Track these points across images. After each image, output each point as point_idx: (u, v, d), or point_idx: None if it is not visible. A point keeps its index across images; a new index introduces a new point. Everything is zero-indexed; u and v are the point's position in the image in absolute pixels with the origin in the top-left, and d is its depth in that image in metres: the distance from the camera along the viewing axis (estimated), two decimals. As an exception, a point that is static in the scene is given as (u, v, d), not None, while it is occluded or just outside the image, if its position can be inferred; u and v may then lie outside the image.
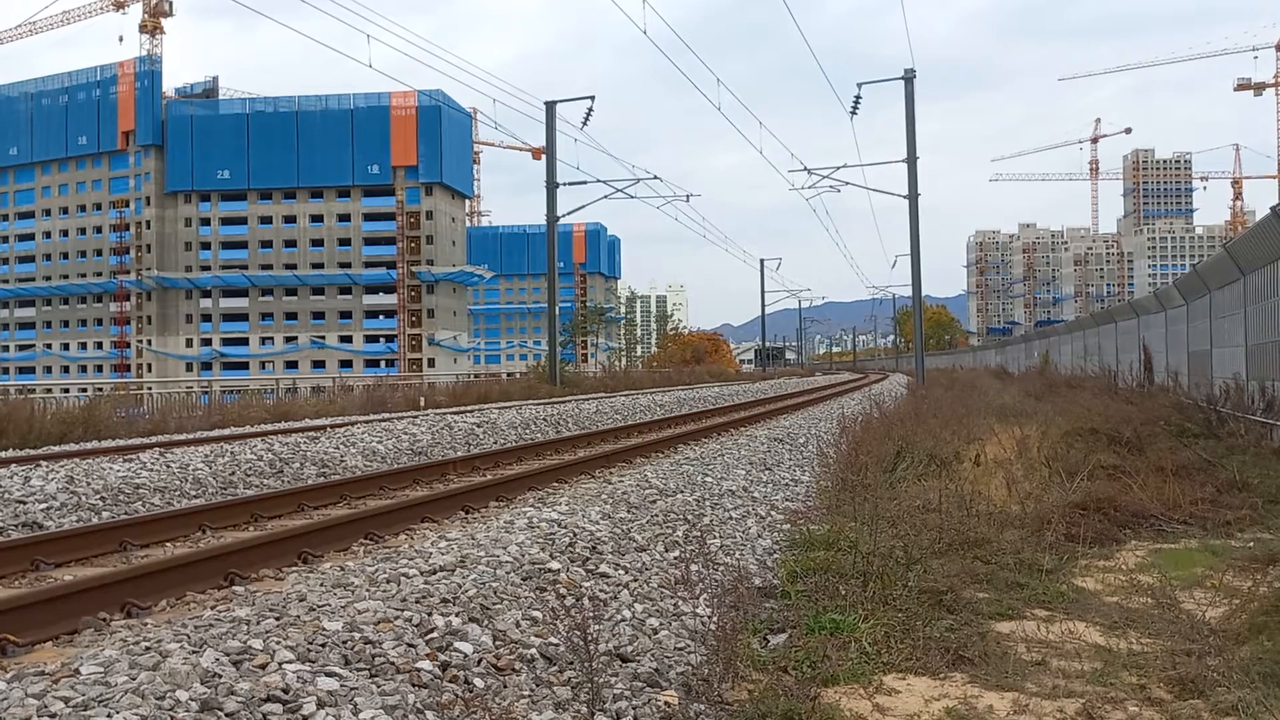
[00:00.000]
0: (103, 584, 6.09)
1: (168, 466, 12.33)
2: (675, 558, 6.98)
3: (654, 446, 15.57)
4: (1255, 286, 14.85)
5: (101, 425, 18.30)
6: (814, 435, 17.76)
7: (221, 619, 4.63)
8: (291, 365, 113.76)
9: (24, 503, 9.92)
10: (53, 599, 5.72)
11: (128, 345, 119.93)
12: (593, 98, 36.20)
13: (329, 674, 4.02)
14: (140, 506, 10.57)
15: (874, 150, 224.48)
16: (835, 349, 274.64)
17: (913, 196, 35.77)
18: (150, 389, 38.91)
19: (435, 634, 4.65)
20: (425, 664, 4.31)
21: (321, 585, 5.41)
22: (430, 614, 4.86)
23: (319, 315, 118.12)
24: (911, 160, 35.68)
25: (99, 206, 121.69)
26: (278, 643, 4.22)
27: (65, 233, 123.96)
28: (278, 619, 4.60)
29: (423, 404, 28.70)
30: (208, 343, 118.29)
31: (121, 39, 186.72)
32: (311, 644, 4.28)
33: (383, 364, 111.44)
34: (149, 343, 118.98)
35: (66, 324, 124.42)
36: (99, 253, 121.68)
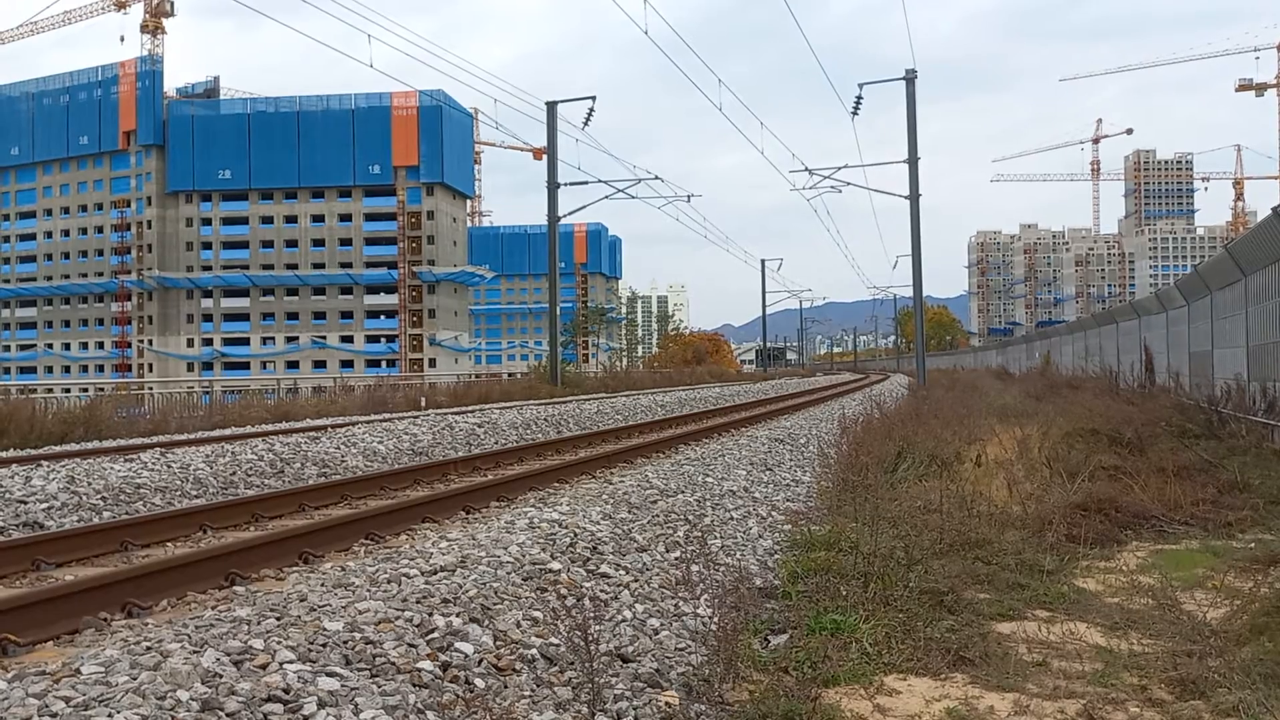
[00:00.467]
0: (104, 584, 6.10)
1: (169, 466, 12.32)
2: (676, 558, 6.97)
3: (655, 447, 15.57)
4: (1256, 287, 14.84)
5: (102, 425, 18.30)
6: (815, 436, 17.76)
7: (222, 619, 4.63)
8: (292, 365, 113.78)
9: (25, 502, 9.92)
10: (54, 599, 5.73)
11: (129, 345, 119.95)
12: (594, 98, 36.22)
13: (330, 674, 4.02)
14: (141, 506, 10.57)
15: (875, 151, 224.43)
16: (836, 349, 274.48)
17: (914, 197, 35.75)
18: (151, 389, 38.88)
19: (436, 634, 4.65)
20: (426, 664, 4.31)
21: (322, 585, 5.40)
22: (431, 614, 4.86)
23: (320, 315, 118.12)
24: (913, 161, 35.67)
25: (100, 206, 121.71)
26: (279, 643, 4.22)
27: (66, 232, 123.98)
28: (279, 619, 4.60)
29: (424, 404, 28.70)
30: (209, 343, 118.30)
31: (123, 39, 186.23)
32: (312, 644, 4.29)
33: (384, 364, 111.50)
34: (150, 343, 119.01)
35: (68, 324, 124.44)
36: (100, 252, 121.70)
